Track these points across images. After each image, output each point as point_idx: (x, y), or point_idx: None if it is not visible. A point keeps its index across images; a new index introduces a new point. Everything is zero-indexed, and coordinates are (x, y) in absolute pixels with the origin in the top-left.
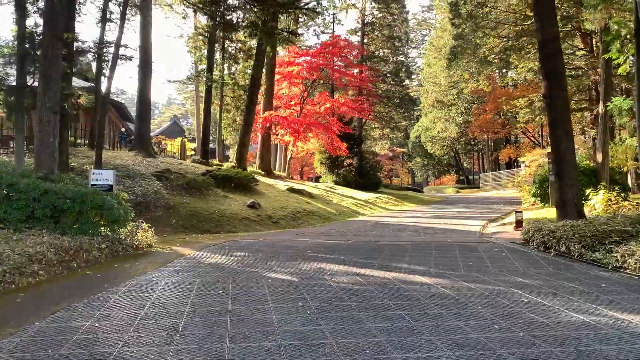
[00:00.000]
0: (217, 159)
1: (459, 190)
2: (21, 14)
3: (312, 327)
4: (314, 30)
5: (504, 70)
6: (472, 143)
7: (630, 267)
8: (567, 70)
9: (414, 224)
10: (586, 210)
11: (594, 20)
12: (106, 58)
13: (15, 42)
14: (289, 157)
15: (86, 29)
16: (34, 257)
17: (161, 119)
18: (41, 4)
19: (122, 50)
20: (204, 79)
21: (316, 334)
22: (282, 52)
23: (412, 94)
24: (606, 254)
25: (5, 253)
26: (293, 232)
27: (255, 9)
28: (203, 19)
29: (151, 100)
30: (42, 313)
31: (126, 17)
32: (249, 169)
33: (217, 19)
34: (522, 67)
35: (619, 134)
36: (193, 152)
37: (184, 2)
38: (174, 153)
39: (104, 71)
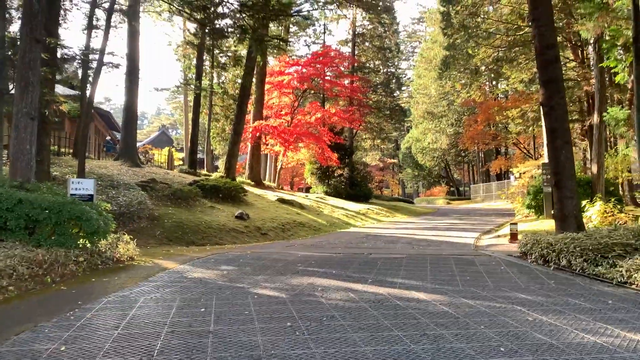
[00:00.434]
0: (205, 169)
1: (450, 202)
2: (1, 15)
3: (302, 351)
4: (305, 40)
5: (494, 83)
6: (463, 154)
7: (636, 283)
8: None
9: (407, 235)
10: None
11: (589, 29)
12: (92, 65)
13: None
14: (279, 167)
15: (72, 36)
16: (3, 272)
17: (150, 128)
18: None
19: (108, 58)
20: (193, 87)
21: (306, 359)
22: (272, 61)
23: (402, 105)
24: (610, 268)
25: None
26: (282, 244)
27: (245, 15)
28: (192, 27)
29: (140, 110)
30: (4, 335)
31: (114, 24)
32: (238, 179)
33: (207, 27)
34: (514, 78)
35: (613, 145)
36: (181, 162)
37: (173, 9)
38: (162, 163)
39: (90, 78)
